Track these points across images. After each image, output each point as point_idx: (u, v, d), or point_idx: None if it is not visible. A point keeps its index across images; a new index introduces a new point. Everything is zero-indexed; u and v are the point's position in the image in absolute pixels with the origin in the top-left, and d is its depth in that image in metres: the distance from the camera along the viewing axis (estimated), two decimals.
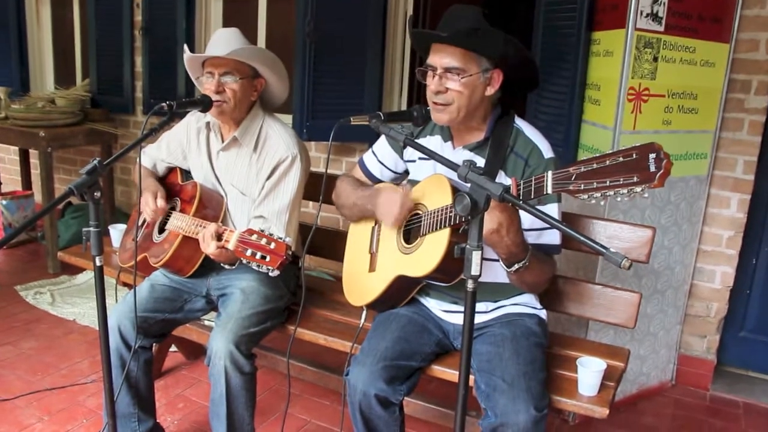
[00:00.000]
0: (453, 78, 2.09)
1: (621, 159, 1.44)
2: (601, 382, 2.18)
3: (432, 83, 2.12)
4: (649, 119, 3.00)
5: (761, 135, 3.26)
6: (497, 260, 2.09)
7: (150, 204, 2.58)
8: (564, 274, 2.57)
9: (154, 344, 2.71)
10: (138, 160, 2.51)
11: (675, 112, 3.07)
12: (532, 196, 1.67)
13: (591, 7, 3.14)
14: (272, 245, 2.09)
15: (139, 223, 2.75)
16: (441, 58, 2.09)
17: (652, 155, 1.40)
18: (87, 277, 4.65)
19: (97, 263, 1.89)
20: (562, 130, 3.30)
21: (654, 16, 2.86)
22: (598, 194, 1.46)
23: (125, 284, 3.05)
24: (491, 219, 1.85)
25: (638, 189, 1.41)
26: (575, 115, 3.25)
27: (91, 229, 1.86)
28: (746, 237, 3.43)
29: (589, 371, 2.16)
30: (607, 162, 1.45)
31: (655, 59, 2.93)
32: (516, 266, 2.01)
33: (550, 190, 1.60)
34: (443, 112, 2.13)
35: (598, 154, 1.48)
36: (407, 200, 2.22)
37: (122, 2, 5.18)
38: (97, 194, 1.83)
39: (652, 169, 1.39)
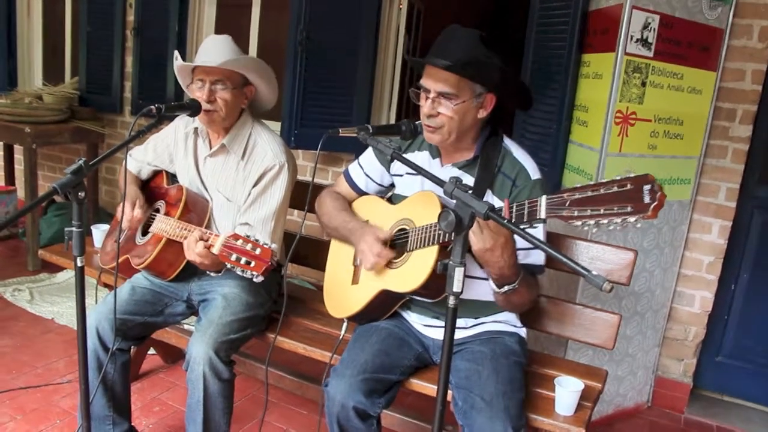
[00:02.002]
0: (446, 104, 2.09)
1: (615, 188, 1.44)
2: (578, 402, 2.19)
3: (425, 106, 2.12)
4: (635, 143, 3.03)
5: (744, 163, 3.30)
6: (482, 278, 2.10)
7: (127, 213, 2.57)
8: (546, 293, 2.58)
9: (132, 347, 2.69)
10: (124, 162, 2.51)
11: (661, 136, 3.10)
12: (525, 220, 1.66)
13: (582, 30, 3.17)
14: (257, 251, 2.09)
15: (122, 225, 2.74)
16: (435, 82, 2.09)
17: (647, 187, 1.40)
18: (67, 275, 4.61)
19: (79, 264, 1.88)
20: (549, 149, 3.32)
21: (644, 42, 2.89)
22: (592, 222, 1.47)
23: (106, 285, 3.03)
24: (487, 238, 1.86)
25: (632, 219, 1.42)
26: (562, 136, 3.27)
27: (74, 229, 1.85)
28: (726, 263, 3.46)
29: (566, 391, 2.17)
30: (602, 190, 1.46)
31: (644, 84, 2.96)
32: (506, 288, 2.03)
33: (543, 215, 1.59)
34: (435, 133, 2.14)
35: (592, 182, 1.49)
36: (387, 253, 2.22)
37: (115, 1, 5.16)
38: (81, 194, 1.82)
39: (647, 200, 1.39)
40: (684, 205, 3.33)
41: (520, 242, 2.09)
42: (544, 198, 1.58)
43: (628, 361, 3.42)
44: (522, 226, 1.56)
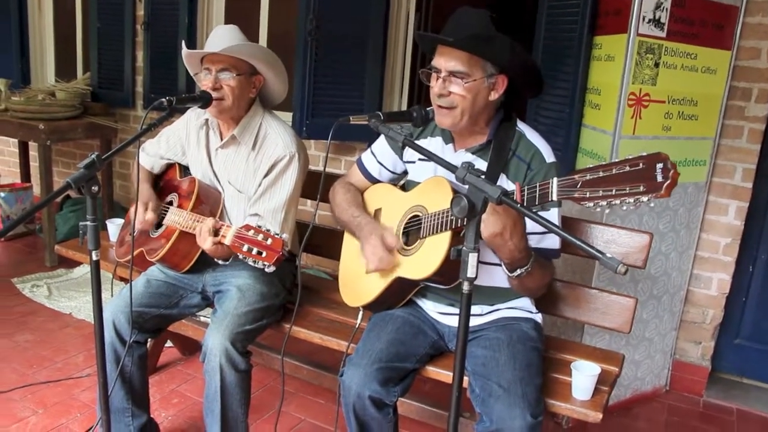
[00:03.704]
0: (457, 82, 2.07)
1: (627, 168, 1.43)
2: (595, 386, 2.18)
3: (436, 85, 2.10)
4: (648, 125, 2.99)
5: (760, 143, 3.26)
6: (496, 264, 2.08)
7: (139, 214, 2.59)
8: (561, 278, 2.56)
9: (149, 339, 2.70)
10: (136, 156, 2.51)
11: (675, 118, 3.06)
12: (537, 203, 1.65)
13: (593, 12, 3.14)
14: (268, 241, 2.09)
15: (135, 226, 2.75)
16: (446, 61, 2.07)
17: (660, 165, 1.39)
18: (84, 270, 4.65)
19: (94, 257, 1.88)
20: (561, 133, 3.30)
21: (656, 22, 2.85)
22: (604, 202, 1.46)
23: (121, 279, 3.04)
24: (494, 222, 1.84)
25: (644, 198, 1.41)
26: (575, 119, 3.25)
27: (88, 223, 1.85)
28: (743, 244, 3.43)
29: (583, 375, 2.16)
30: (614, 170, 1.45)
31: (657, 65, 2.92)
32: (518, 271, 2.01)
33: (555, 197, 1.58)
34: (447, 115, 2.12)
35: (603, 162, 1.47)
36: (391, 258, 2.23)
37: None
38: (95, 188, 1.82)
39: (659, 179, 1.39)
40: (699, 187, 3.30)
41: (535, 226, 2.07)
42: (555, 180, 1.57)
43: (645, 345, 3.40)
44: (534, 210, 1.55)
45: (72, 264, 4.67)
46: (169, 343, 3.55)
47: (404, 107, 4.48)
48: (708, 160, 3.27)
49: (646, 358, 3.44)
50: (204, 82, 2.49)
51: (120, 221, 3.10)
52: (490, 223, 1.83)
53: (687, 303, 3.53)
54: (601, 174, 1.46)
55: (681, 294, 3.47)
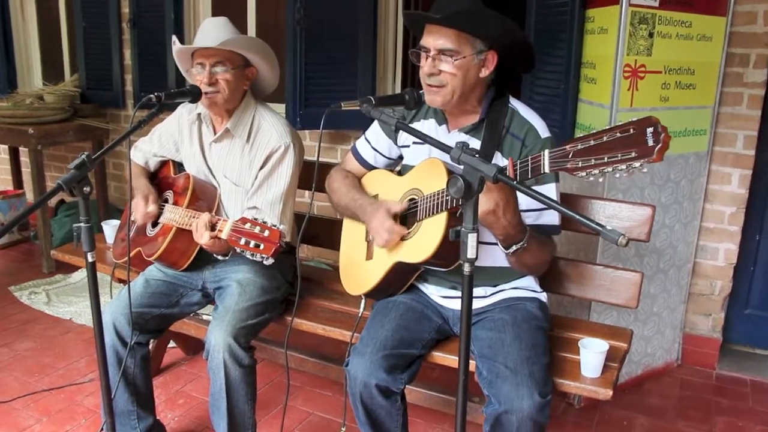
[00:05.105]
0: (446, 60, 2.07)
1: (618, 134, 1.43)
2: (604, 363, 2.18)
3: (425, 65, 2.10)
4: (646, 96, 2.99)
5: (761, 109, 3.25)
6: (496, 244, 2.09)
7: (140, 208, 2.59)
8: (564, 256, 2.57)
9: (151, 340, 2.71)
10: (128, 154, 2.52)
11: (672, 88, 3.06)
12: (530, 176, 1.66)
13: None
14: (266, 233, 2.10)
15: (132, 218, 2.75)
16: (434, 39, 2.07)
17: (650, 129, 1.39)
18: (82, 275, 4.64)
19: (89, 259, 1.88)
20: (558, 110, 3.29)
21: None
22: (596, 171, 1.46)
23: (120, 280, 3.05)
24: (487, 200, 1.84)
25: (637, 164, 1.41)
26: (571, 95, 3.24)
27: (82, 224, 1.86)
28: (749, 213, 3.42)
29: (591, 352, 2.17)
30: (605, 138, 1.45)
31: (651, 35, 2.91)
32: (514, 248, 2.01)
33: (547, 169, 1.59)
34: (437, 94, 2.12)
35: (594, 131, 1.48)
36: (400, 228, 2.22)
37: None
38: (87, 189, 1.82)
39: (651, 143, 1.38)
40: (701, 157, 3.30)
41: (531, 203, 2.08)
42: (546, 152, 1.58)
43: (654, 320, 3.41)
44: (530, 185, 1.55)
45: (70, 269, 4.68)
46: (172, 344, 3.56)
47: (399, 91, 4.47)
48: (708, 129, 3.27)
49: (656, 333, 3.45)
50: (198, 77, 2.49)
51: (116, 222, 3.10)
52: (482, 201, 1.83)
53: (694, 275, 3.53)
54: (592, 143, 1.46)
55: (688, 266, 3.47)
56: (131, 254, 2.62)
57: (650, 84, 2.99)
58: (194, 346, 3.59)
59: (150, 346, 2.70)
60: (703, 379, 3.51)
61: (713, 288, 3.53)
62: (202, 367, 3.37)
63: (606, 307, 3.17)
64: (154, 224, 2.67)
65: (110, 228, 3.13)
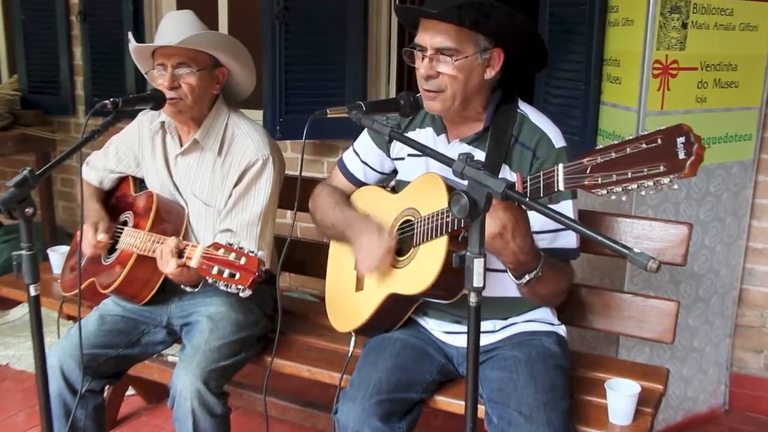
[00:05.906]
0: (445, 60, 2.08)
1: (644, 145, 1.43)
2: (636, 408, 2.19)
3: (421, 66, 2.11)
4: (679, 97, 3.01)
5: None
6: (506, 271, 2.10)
7: (88, 237, 2.58)
8: (587, 283, 2.58)
9: (105, 387, 2.71)
10: (79, 169, 2.53)
11: (710, 87, 3.08)
12: (542, 195, 1.66)
13: None
14: (242, 260, 2.10)
15: (83, 251, 2.75)
16: (431, 36, 2.08)
17: (681, 139, 1.39)
18: (22, 311, 4.59)
19: (32, 293, 1.87)
20: (577, 114, 3.32)
21: None
22: (619, 188, 1.46)
23: (69, 317, 3.04)
24: (493, 221, 1.82)
25: (666, 180, 1.40)
26: (592, 97, 3.26)
27: (23, 252, 1.84)
28: None
29: (620, 396, 2.17)
30: (628, 150, 1.44)
31: (684, 26, 2.94)
32: (527, 277, 2.00)
33: (561, 187, 1.59)
34: (435, 99, 2.13)
35: (616, 141, 1.48)
36: (390, 249, 2.23)
37: None
38: (29, 210, 1.81)
39: (681, 155, 1.38)
40: (746, 166, 3.32)
41: (546, 224, 2.10)
42: (561, 167, 1.58)
43: (695, 357, 3.42)
44: (542, 202, 1.56)
45: (8, 304, 4.60)
46: (131, 391, 3.55)
47: (393, 96, 4.49)
48: (754, 134, 3.29)
49: (698, 373, 3.46)
50: (158, 80, 2.49)
51: (64, 249, 3.11)
52: (487, 223, 1.84)
53: (741, 304, 3.54)
54: (613, 155, 1.46)
55: (733, 294, 3.49)
56: (83, 286, 2.61)
57: (684, 83, 3.02)
58: (157, 393, 3.57)
59: (105, 394, 2.70)
60: (755, 428, 3.50)
61: (764, 319, 3.54)
62: (167, 417, 3.34)
63: (637, 342, 3.18)
64: (111, 251, 2.67)
65: (58, 255, 3.13)
